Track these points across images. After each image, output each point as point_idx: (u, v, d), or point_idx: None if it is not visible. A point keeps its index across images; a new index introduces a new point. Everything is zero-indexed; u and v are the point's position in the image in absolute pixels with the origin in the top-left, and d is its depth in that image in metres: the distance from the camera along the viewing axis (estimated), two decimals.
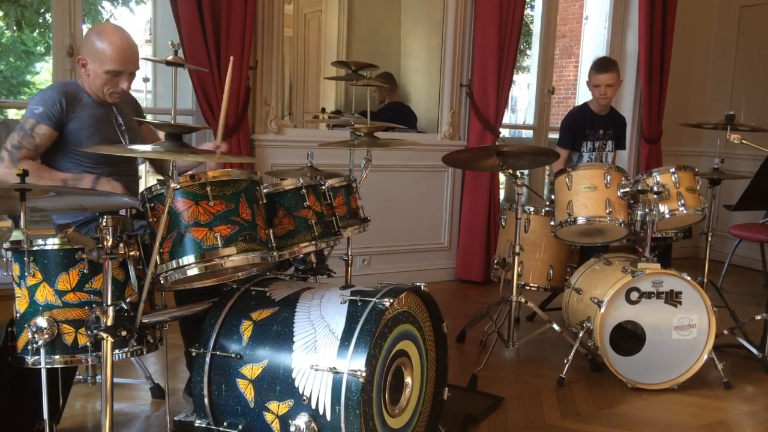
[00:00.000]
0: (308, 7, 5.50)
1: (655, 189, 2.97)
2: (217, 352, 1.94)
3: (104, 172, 2.42)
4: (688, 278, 2.91)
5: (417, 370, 2.08)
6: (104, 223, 1.76)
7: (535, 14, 5.52)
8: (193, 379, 1.97)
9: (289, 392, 1.84)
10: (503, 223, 3.55)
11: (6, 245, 1.97)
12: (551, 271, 3.46)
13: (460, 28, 4.66)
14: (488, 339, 3.25)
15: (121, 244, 1.79)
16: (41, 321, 1.89)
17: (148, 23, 9.05)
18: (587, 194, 3.06)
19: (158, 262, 1.85)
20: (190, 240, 1.85)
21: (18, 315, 1.95)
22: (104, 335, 1.77)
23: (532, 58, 6.09)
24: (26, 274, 1.92)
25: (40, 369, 1.88)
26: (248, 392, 1.90)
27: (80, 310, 1.92)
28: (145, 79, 5.44)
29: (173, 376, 2.54)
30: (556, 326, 3.14)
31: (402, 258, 4.66)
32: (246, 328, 1.96)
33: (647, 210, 2.95)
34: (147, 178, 4.16)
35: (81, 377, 2.34)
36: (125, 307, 1.84)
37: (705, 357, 2.93)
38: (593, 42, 5.95)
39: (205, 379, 1.94)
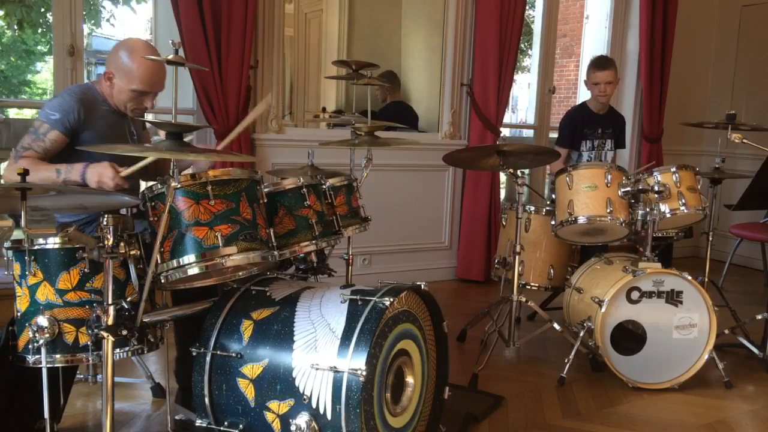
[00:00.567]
0: (309, 6, 5.49)
1: (656, 188, 2.97)
2: (218, 352, 1.94)
3: None
4: (689, 278, 2.90)
5: (418, 370, 2.08)
6: (105, 222, 1.76)
7: (535, 13, 5.52)
8: (194, 379, 1.97)
9: (290, 391, 1.84)
10: (504, 223, 3.55)
11: (7, 244, 1.97)
12: (552, 271, 3.46)
13: (461, 28, 4.66)
14: (489, 338, 3.25)
15: (122, 243, 1.79)
16: (42, 320, 1.89)
17: (148, 22, 9.05)
18: (588, 193, 3.06)
19: (159, 261, 1.85)
20: (191, 239, 1.85)
21: (19, 314, 1.96)
22: (105, 334, 1.77)
23: (532, 58, 6.09)
24: (27, 273, 1.92)
25: (41, 368, 1.88)
26: (249, 392, 1.90)
27: (81, 309, 1.92)
28: None
29: (174, 376, 2.54)
30: (556, 326, 3.14)
31: (402, 257, 4.67)
32: (246, 328, 1.96)
33: (648, 209, 2.95)
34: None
35: (82, 376, 2.34)
36: (126, 307, 1.85)
37: (706, 356, 2.93)
38: (594, 41, 5.95)
39: (206, 379, 1.95)
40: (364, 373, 1.75)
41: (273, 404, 1.86)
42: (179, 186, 1.84)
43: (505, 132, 5.10)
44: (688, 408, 2.81)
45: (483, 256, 4.72)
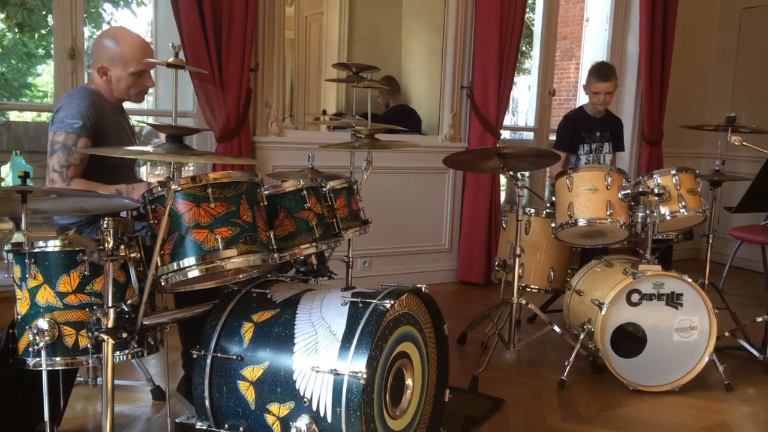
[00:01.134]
0: (309, 9, 5.50)
1: (656, 191, 2.97)
2: (218, 354, 1.94)
3: (112, 176, 2.43)
4: (689, 280, 2.90)
5: (418, 372, 2.08)
6: (105, 225, 1.76)
7: (535, 16, 5.53)
8: (194, 381, 1.97)
9: (290, 394, 1.84)
10: (504, 225, 3.55)
11: (7, 247, 1.97)
12: (552, 273, 3.46)
13: (461, 30, 4.66)
14: (489, 341, 3.25)
15: (122, 246, 1.79)
16: (42, 323, 1.89)
17: (149, 25, 9.07)
18: (588, 196, 3.06)
19: (159, 264, 1.85)
20: (191, 242, 1.85)
21: (19, 317, 1.96)
22: (105, 337, 1.77)
23: (533, 60, 6.10)
24: (27, 276, 1.92)
25: (41, 371, 1.88)
26: (249, 394, 1.90)
27: (81, 312, 1.92)
28: None
29: (174, 378, 2.54)
30: (557, 328, 3.14)
31: (403, 260, 4.66)
32: (247, 330, 1.96)
33: (648, 212, 2.95)
34: (148, 180, 4.16)
35: (82, 379, 2.34)
36: (126, 309, 1.84)
37: (706, 359, 2.93)
38: (594, 44, 5.95)
39: (206, 381, 1.94)
40: (365, 375, 1.75)
41: (273, 407, 1.86)
42: (179, 189, 1.84)
43: (505, 134, 5.11)
44: (688, 411, 2.81)
45: (483, 259, 4.72)
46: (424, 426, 2.18)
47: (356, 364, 1.77)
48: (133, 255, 1.85)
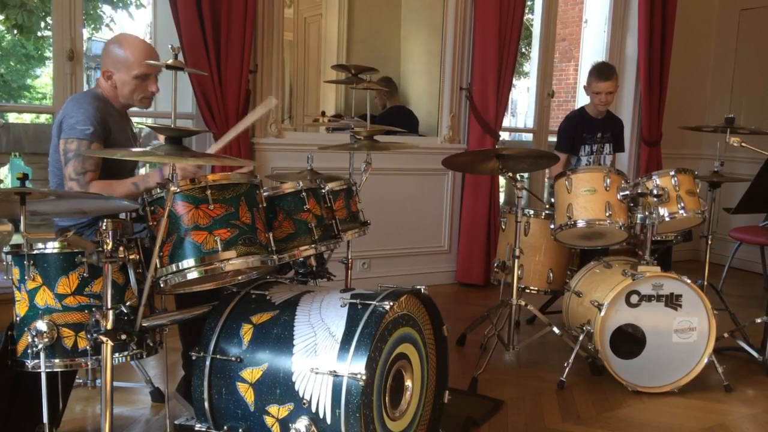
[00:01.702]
0: (308, 10, 5.50)
1: (655, 192, 2.97)
2: (218, 356, 1.94)
3: (115, 180, 2.43)
4: (689, 281, 2.90)
5: (417, 373, 2.08)
6: (104, 227, 1.76)
7: (534, 17, 5.53)
8: (193, 383, 1.97)
9: (290, 395, 1.84)
10: (503, 226, 3.55)
11: (6, 249, 1.97)
12: (551, 274, 3.46)
13: (460, 32, 4.67)
14: (488, 342, 3.25)
15: (121, 248, 1.79)
16: (41, 325, 1.89)
17: (148, 27, 9.08)
18: (587, 197, 3.06)
19: (158, 266, 1.85)
20: (190, 243, 1.85)
21: (18, 319, 1.96)
22: (104, 339, 1.77)
23: (532, 62, 6.10)
24: (26, 277, 1.92)
25: (40, 373, 1.88)
26: (248, 396, 1.89)
27: (80, 314, 1.92)
28: None
29: (173, 380, 2.53)
30: (556, 329, 3.14)
31: (402, 261, 4.66)
32: (246, 332, 1.95)
33: (647, 213, 2.95)
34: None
35: (81, 381, 2.34)
36: (125, 311, 1.85)
37: (705, 360, 2.93)
38: (593, 45, 5.96)
39: (205, 383, 1.94)
40: (364, 377, 1.74)
41: (272, 408, 1.86)
42: (178, 190, 1.84)
43: (504, 136, 5.11)
44: (687, 411, 2.81)
45: (482, 260, 4.72)
46: (424, 427, 2.18)
47: (355, 366, 1.77)
48: (132, 257, 1.85)
